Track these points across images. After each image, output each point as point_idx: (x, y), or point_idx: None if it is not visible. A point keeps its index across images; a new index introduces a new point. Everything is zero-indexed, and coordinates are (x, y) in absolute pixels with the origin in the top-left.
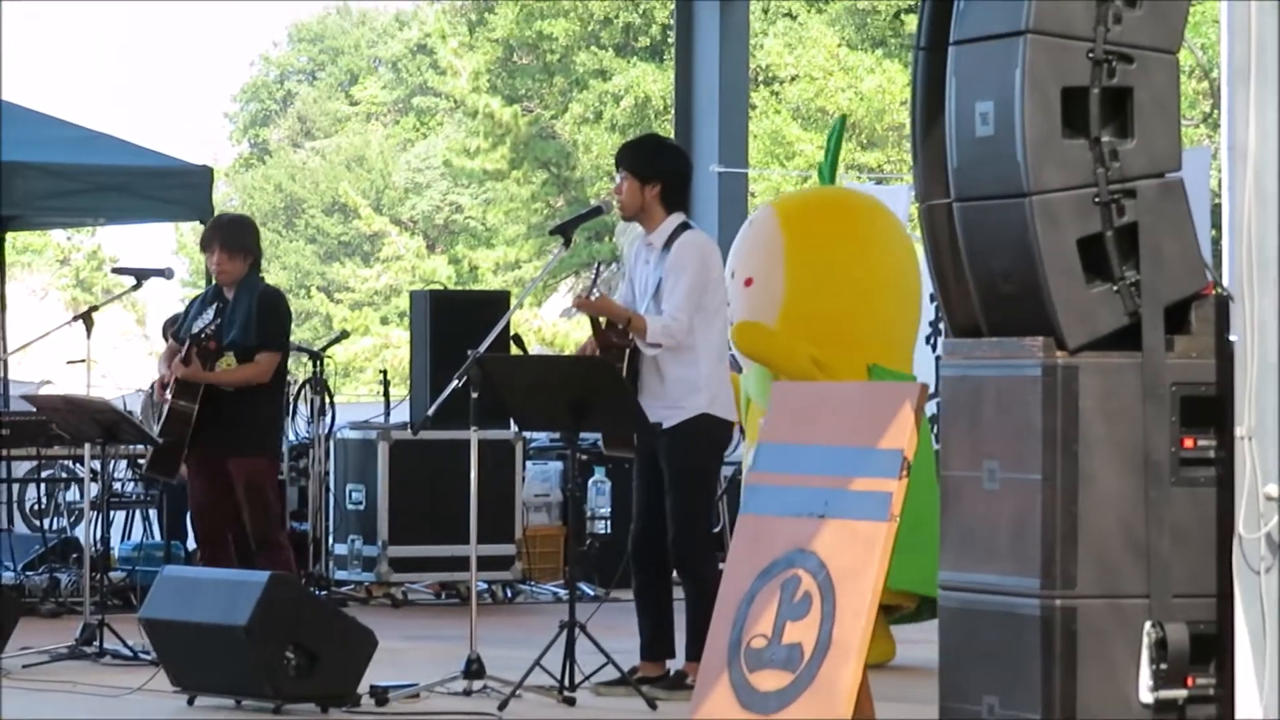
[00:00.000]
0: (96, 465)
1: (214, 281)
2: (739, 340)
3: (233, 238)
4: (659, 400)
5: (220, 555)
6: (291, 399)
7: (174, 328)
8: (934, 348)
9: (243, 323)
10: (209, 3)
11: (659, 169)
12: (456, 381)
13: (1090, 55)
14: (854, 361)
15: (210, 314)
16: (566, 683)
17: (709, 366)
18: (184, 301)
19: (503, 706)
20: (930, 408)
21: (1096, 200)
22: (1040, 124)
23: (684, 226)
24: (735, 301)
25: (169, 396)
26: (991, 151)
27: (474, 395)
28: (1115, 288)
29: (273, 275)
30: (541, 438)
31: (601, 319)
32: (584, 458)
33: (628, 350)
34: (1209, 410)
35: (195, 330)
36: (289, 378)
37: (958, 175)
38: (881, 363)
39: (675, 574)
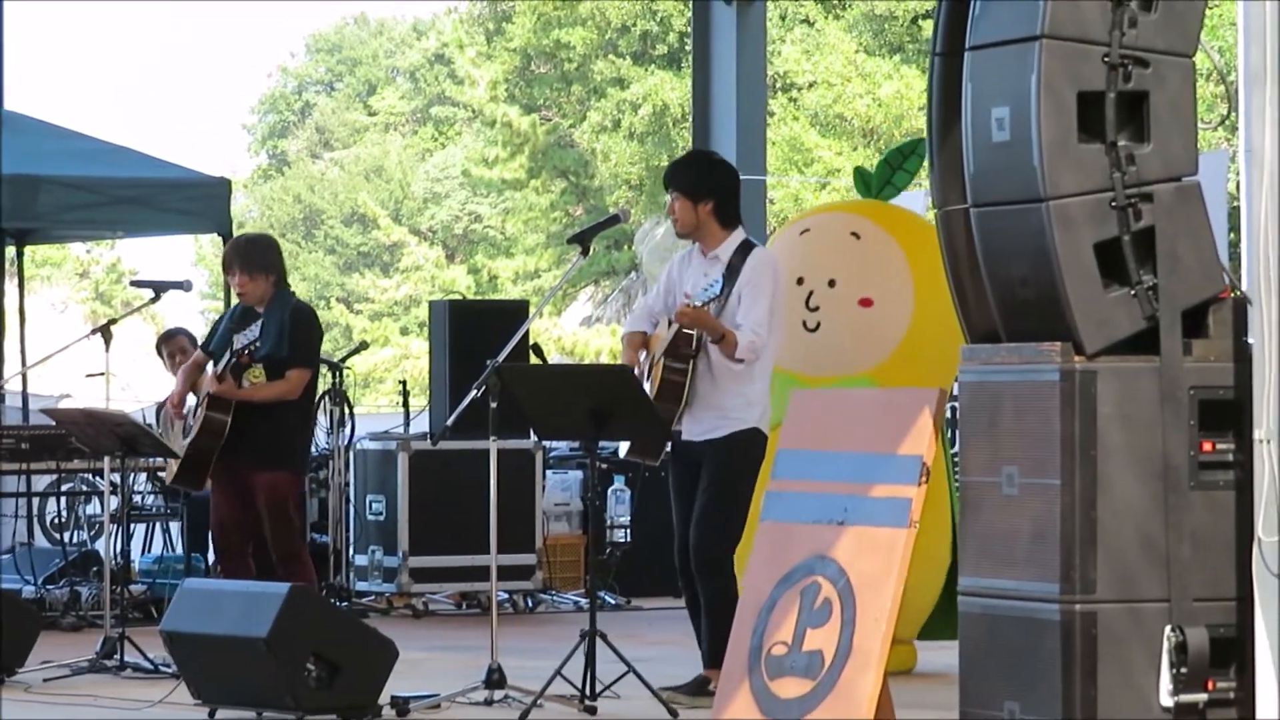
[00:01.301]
0: (116, 478)
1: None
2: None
3: (251, 258)
4: (711, 411)
5: (240, 569)
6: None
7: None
8: None
9: (275, 338)
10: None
11: (710, 186)
12: (475, 391)
13: (1106, 60)
14: None
15: (256, 330)
16: (587, 692)
17: (764, 383)
18: (203, 315)
19: (524, 716)
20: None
21: (1113, 205)
22: (1056, 129)
23: (749, 243)
24: (836, 315)
25: (200, 410)
26: (1008, 157)
27: (493, 405)
28: (1132, 292)
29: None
30: (561, 447)
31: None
32: (604, 466)
33: (693, 361)
34: (1227, 414)
35: (238, 346)
36: None
37: (974, 181)
38: None
39: (696, 578)
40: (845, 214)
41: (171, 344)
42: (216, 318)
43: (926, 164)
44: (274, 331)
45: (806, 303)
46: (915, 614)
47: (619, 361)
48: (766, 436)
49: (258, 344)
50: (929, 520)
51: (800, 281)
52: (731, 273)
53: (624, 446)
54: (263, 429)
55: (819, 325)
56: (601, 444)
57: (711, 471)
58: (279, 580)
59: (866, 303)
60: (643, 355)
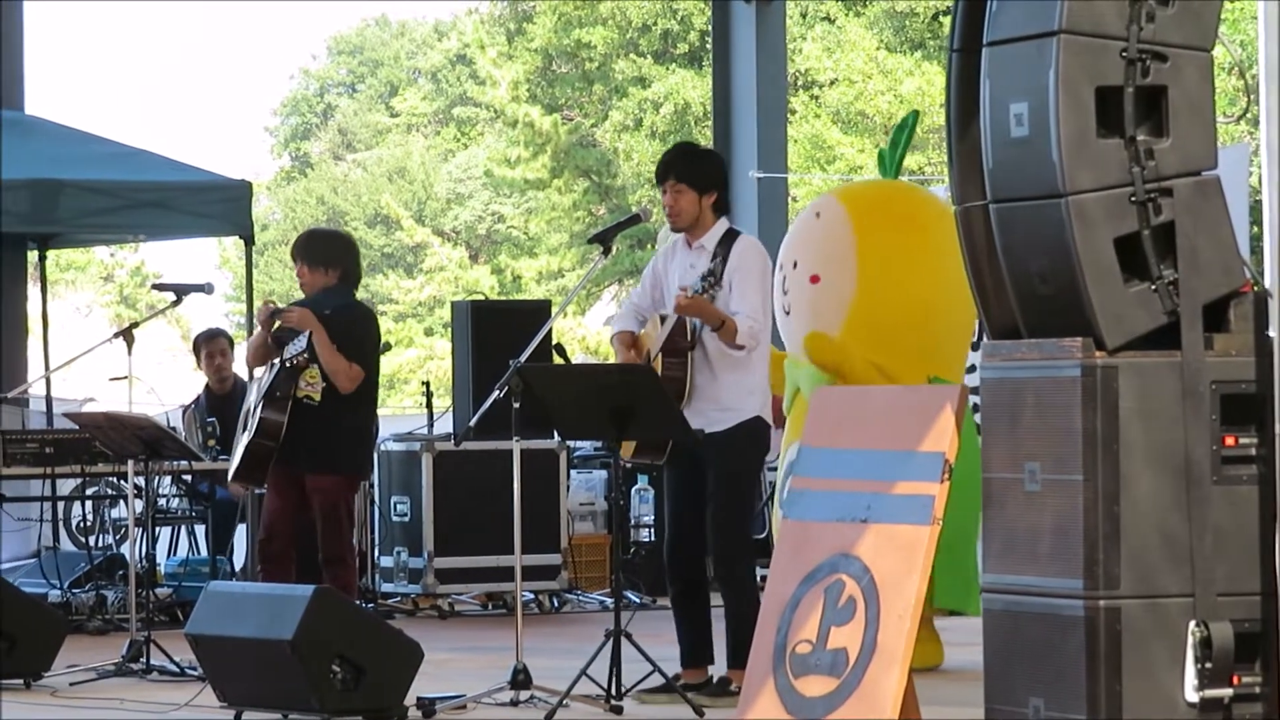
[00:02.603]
0: (140, 482)
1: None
2: (812, 351)
3: (311, 251)
4: (713, 404)
5: (282, 575)
6: None
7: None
8: None
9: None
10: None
11: (715, 178)
12: (497, 392)
13: (1124, 54)
14: (916, 371)
15: (303, 341)
16: (613, 691)
17: (762, 369)
18: (227, 318)
19: (550, 716)
20: None
21: (1132, 199)
22: (1075, 124)
23: (733, 231)
24: (797, 295)
25: (256, 410)
26: (1026, 152)
27: (515, 405)
28: (1153, 287)
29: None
30: (586, 446)
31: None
32: (628, 466)
33: (690, 354)
34: (1249, 408)
35: (288, 355)
36: None
37: (993, 176)
38: (941, 375)
39: (715, 580)
40: (823, 196)
41: (211, 345)
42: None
43: (944, 159)
44: (332, 330)
45: (783, 288)
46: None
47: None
48: (769, 425)
49: (304, 355)
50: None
51: (780, 269)
52: (720, 261)
53: (625, 450)
54: (318, 431)
55: (790, 308)
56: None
57: (720, 470)
58: (323, 581)
59: (815, 279)
60: (630, 354)
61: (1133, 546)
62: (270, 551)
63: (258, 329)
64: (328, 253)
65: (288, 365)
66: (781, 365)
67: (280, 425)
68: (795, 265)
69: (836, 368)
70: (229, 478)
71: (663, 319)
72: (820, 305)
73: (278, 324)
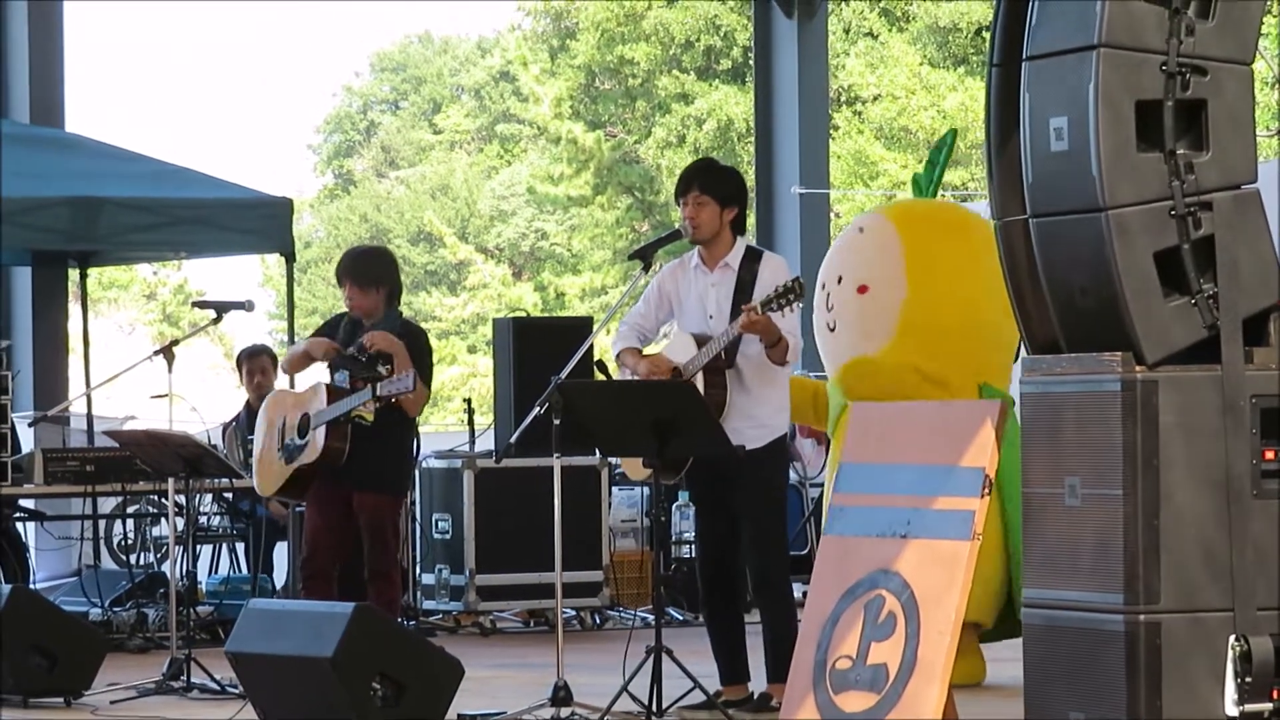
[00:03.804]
0: (181, 499)
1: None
2: (849, 385)
3: (362, 271)
4: (748, 421)
5: (324, 593)
6: None
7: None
8: None
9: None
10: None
11: (737, 193)
12: (538, 408)
13: (1163, 68)
14: (967, 379)
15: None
16: (654, 708)
17: (786, 385)
18: (270, 335)
19: None
20: None
21: (1172, 213)
22: (1114, 138)
23: (754, 249)
24: (844, 309)
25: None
26: (1066, 166)
27: (555, 422)
28: (1193, 301)
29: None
30: None
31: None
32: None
33: (727, 372)
34: None
35: (392, 391)
36: None
37: (1033, 191)
38: (992, 382)
39: (754, 596)
40: (865, 214)
41: (253, 362)
42: (324, 323)
43: (985, 174)
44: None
45: (827, 305)
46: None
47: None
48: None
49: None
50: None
51: (823, 287)
52: (748, 280)
53: (630, 467)
54: (369, 450)
55: (835, 324)
56: None
57: (755, 487)
58: (367, 597)
59: (863, 289)
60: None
61: (1173, 561)
62: (312, 569)
63: (301, 343)
64: (377, 271)
65: (390, 400)
66: (802, 388)
67: (343, 452)
68: (840, 280)
69: (877, 394)
70: (260, 494)
71: (699, 340)
72: (869, 314)
73: (351, 350)
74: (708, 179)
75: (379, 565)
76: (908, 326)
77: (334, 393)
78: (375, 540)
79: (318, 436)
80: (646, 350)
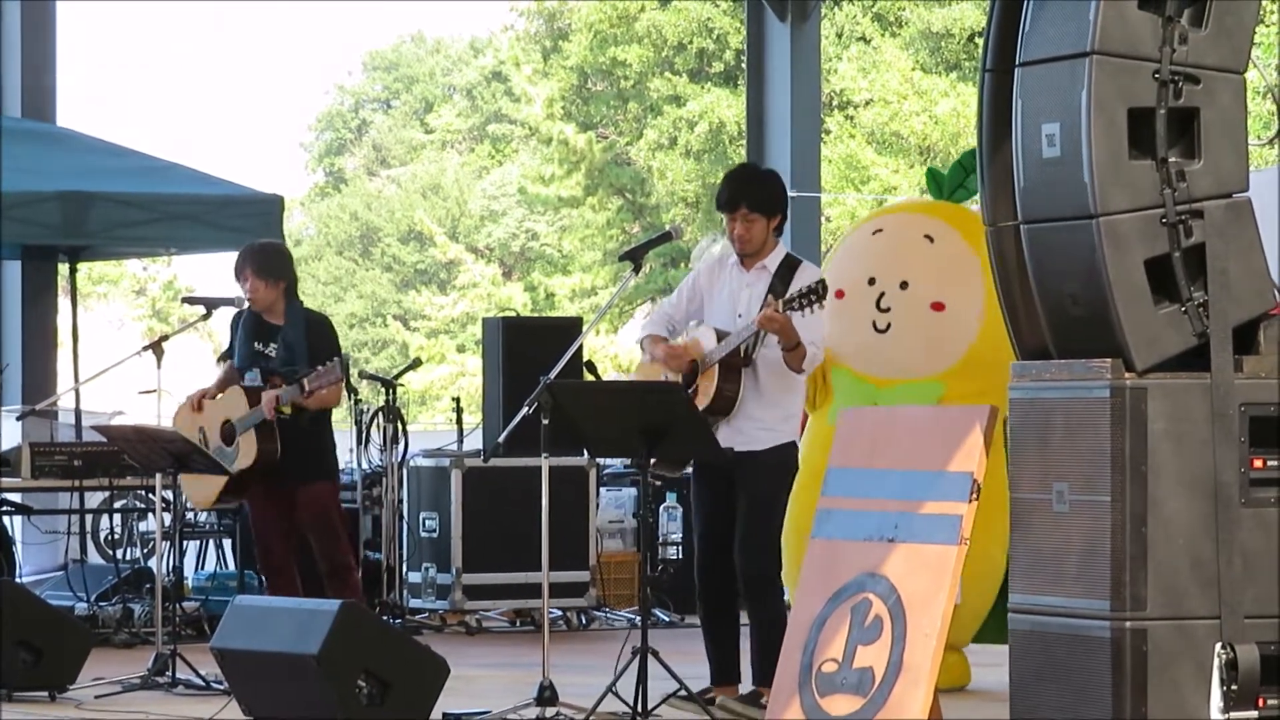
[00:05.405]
0: (168, 495)
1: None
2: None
3: (264, 263)
4: (756, 423)
5: (288, 586)
6: (365, 427)
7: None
8: None
9: (303, 353)
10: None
11: (782, 202)
12: (527, 409)
13: (1156, 76)
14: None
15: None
16: (639, 709)
17: (800, 394)
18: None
19: None
20: None
21: (1164, 221)
22: (1107, 145)
23: (792, 256)
24: (908, 319)
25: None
26: (1058, 173)
27: (544, 422)
28: (1183, 309)
29: (349, 304)
30: (615, 464)
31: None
32: (657, 484)
33: (743, 370)
34: (1278, 431)
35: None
36: (362, 405)
37: (1025, 197)
38: None
39: (743, 598)
40: (919, 215)
41: None
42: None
43: (977, 180)
44: (300, 348)
45: (877, 303)
46: (970, 620)
47: (639, 366)
48: (798, 449)
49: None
50: (987, 529)
51: (872, 282)
52: (782, 288)
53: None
54: (302, 442)
55: (889, 326)
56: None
57: (753, 489)
58: (329, 593)
59: (939, 307)
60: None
61: (1160, 568)
62: (272, 564)
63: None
64: (277, 264)
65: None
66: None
67: (277, 451)
68: (904, 286)
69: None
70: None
71: (720, 335)
72: (941, 336)
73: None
74: (756, 195)
75: (334, 559)
76: (973, 360)
77: (251, 394)
78: (324, 532)
79: (247, 441)
80: (685, 338)
